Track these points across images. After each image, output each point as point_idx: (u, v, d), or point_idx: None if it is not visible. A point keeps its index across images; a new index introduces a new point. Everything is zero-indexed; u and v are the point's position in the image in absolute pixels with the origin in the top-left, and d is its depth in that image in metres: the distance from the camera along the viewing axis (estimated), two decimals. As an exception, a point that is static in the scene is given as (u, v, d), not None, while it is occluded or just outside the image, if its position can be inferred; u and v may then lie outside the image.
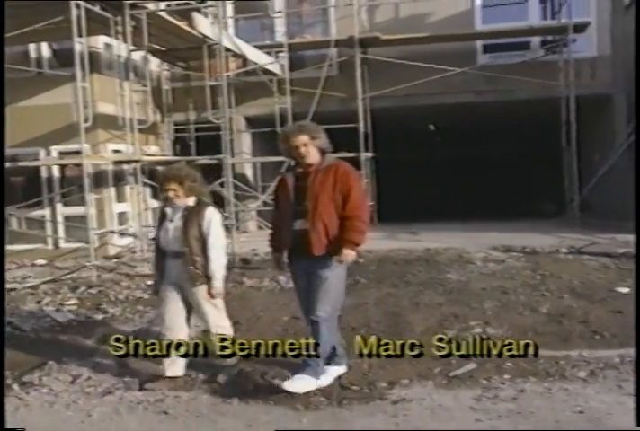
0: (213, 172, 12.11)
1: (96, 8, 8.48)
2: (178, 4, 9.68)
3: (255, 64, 11.11)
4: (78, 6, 8.09)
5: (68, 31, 9.32)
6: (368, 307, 6.53)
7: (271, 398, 4.51)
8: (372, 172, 12.14)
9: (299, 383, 4.49)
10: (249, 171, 13.02)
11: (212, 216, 4.74)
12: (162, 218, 4.93)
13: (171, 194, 4.76)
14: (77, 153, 11.21)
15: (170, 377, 4.82)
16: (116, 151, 11.47)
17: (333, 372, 4.74)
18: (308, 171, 4.49)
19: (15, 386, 5.02)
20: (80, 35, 8.38)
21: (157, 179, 5.19)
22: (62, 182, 11.43)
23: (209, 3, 10.07)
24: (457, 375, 4.77)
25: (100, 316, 6.65)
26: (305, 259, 4.52)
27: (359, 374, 4.85)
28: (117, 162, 10.53)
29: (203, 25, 9.48)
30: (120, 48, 11.57)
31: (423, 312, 6.31)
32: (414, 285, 7.45)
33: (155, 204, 12.59)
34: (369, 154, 11.92)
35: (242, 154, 12.82)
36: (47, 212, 11.46)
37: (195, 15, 9.28)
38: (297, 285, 4.83)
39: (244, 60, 12.01)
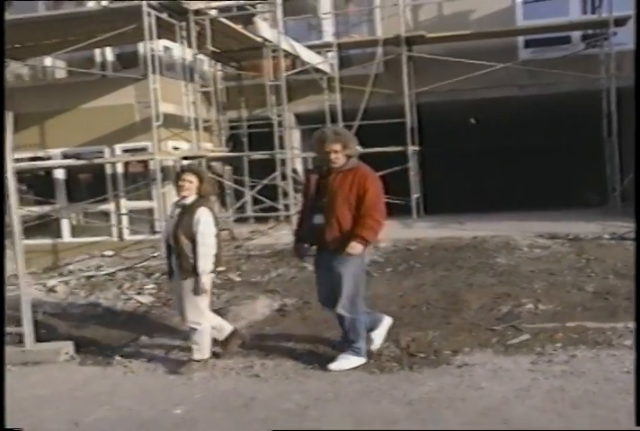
0: (266, 168, 12.77)
1: (164, 15, 9.11)
2: (238, 10, 10.30)
3: (306, 63, 11.66)
4: (149, 14, 8.74)
5: (134, 36, 10.03)
6: (426, 288, 7.06)
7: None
8: (418, 165, 12.62)
9: (344, 363, 4.99)
10: (299, 166, 13.61)
11: (201, 216, 5.08)
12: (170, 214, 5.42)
13: (186, 184, 5.17)
14: (140, 150, 11.98)
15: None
16: (175, 148, 12.15)
17: (378, 335, 5.30)
18: (331, 172, 4.95)
19: (117, 357, 5.69)
20: (150, 40, 9.02)
21: (178, 170, 5.70)
22: (125, 178, 12.15)
23: (267, 8, 10.65)
24: (513, 344, 5.30)
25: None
26: (325, 251, 5.00)
27: (424, 344, 5.40)
28: (184, 158, 11.17)
29: (264, 29, 10.09)
30: (179, 51, 12.29)
31: (477, 291, 6.81)
32: (466, 268, 7.94)
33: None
34: (416, 148, 12.41)
35: (292, 150, 13.40)
36: (111, 206, 12.20)
37: (257, 20, 9.88)
38: (316, 275, 5.29)
39: (294, 59, 12.60)
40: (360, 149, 12.12)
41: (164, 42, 11.92)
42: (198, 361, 5.24)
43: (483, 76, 12.07)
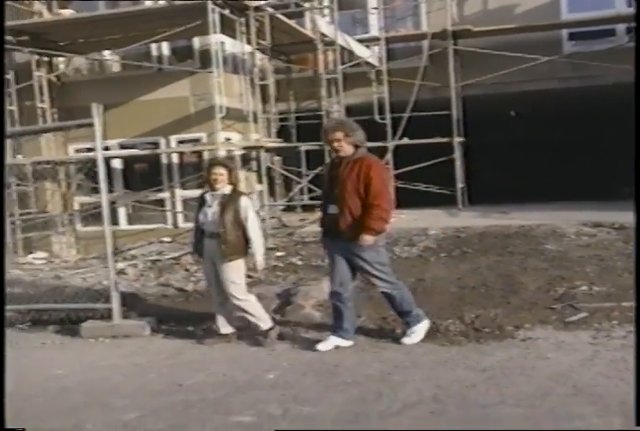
0: (314, 158, 13.18)
1: (226, 12, 9.55)
2: (297, 6, 10.72)
3: (357, 57, 12.03)
4: (214, 11, 9.19)
5: (195, 32, 10.49)
6: (482, 271, 7.43)
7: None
8: (462, 156, 12.93)
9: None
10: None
11: (247, 204, 5.59)
12: (201, 203, 5.79)
13: (218, 178, 5.59)
14: (194, 141, 12.48)
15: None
16: (227, 139, 12.60)
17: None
18: (341, 162, 5.26)
19: (199, 331, 6.14)
20: (214, 34, 9.48)
21: (207, 164, 6.07)
22: (180, 168, 12.65)
23: (323, 3, 11.05)
24: (572, 321, 5.66)
25: (248, 279, 7.72)
26: (340, 240, 5.26)
27: (487, 321, 5.78)
28: (244, 148, 11.62)
29: (322, 24, 10.49)
30: (231, 46, 12.76)
31: (532, 274, 7.16)
32: (517, 254, 8.29)
33: (258, 187, 13.75)
34: (461, 139, 12.72)
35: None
36: (167, 195, 12.71)
37: (316, 16, 10.29)
38: (330, 262, 5.49)
39: (341, 52, 12.99)
40: (406, 140, 12.54)
41: (219, 37, 12.38)
42: (269, 330, 5.65)
43: (526, 69, 12.32)
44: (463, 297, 6.52)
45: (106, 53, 12.80)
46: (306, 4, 10.91)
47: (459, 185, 12.73)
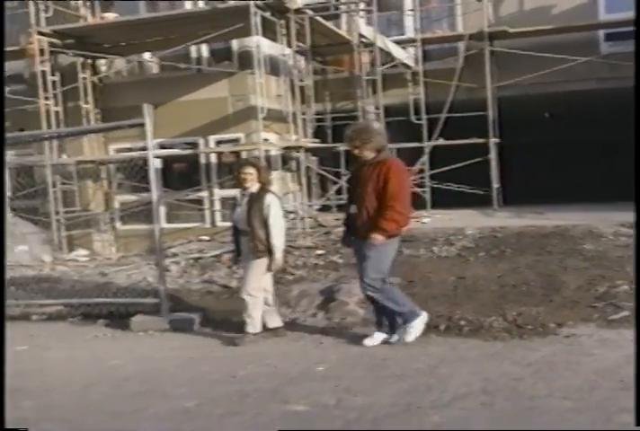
0: (350, 159, 13.29)
1: (267, 14, 9.74)
2: (336, 8, 10.89)
3: (395, 58, 12.15)
4: (256, 13, 9.39)
5: (233, 33, 10.68)
6: (521, 270, 7.51)
7: (461, 333, 5.64)
8: (497, 157, 12.97)
9: (412, 332, 5.44)
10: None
11: (271, 201, 5.74)
12: (236, 202, 6.01)
13: (247, 177, 5.79)
14: (232, 141, 12.69)
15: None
16: (265, 139, 12.79)
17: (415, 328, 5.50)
18: (363, 165, 5.43)
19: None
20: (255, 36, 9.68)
21: (237, 164, 6.27)
22: (218, 168, 12.86)
23: (362, 6, 11.20)
24: (614, 319, 5.73)
25: (290, 277, 7.90)
26: (357, 238, 5.44)
27: (530, 318, 5.87)
28: (285, 148, 11.81)
29: (361, 26, 10.64)
30: (267, 47, 12.95)
31: (572, 273, 7.22)
32: (555, 253, 8.34)
33: (293, 187, 13.93)
34: (497, 140, 12.77)
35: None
36: (205, 194, 12.94)
37: (356, 18, 10.44)
38: (356, 260, 5.65)
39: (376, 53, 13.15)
40: (442, 141, 12.61)
41: (258, 39, 12.58)
42: (253, 334, 5.78)
43: (563, 70, 12.33)
44: (504, 295, 6.62)
45: (146, 55, 13.05)
46: (343, 7, 11.05)
47: (495, 185, 12.77)
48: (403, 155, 13.51)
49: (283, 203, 6.08)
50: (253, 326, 5.80)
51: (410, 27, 13.55)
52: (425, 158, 12.44)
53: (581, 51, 12.51)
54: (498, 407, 3.98)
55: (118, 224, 13.23)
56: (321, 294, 7.10)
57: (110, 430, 3.98)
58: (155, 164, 12.92)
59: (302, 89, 12.84)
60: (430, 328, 5.83)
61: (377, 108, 11.65)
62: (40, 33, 10.66)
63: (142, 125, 6.66)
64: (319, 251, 9.22)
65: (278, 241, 5.72)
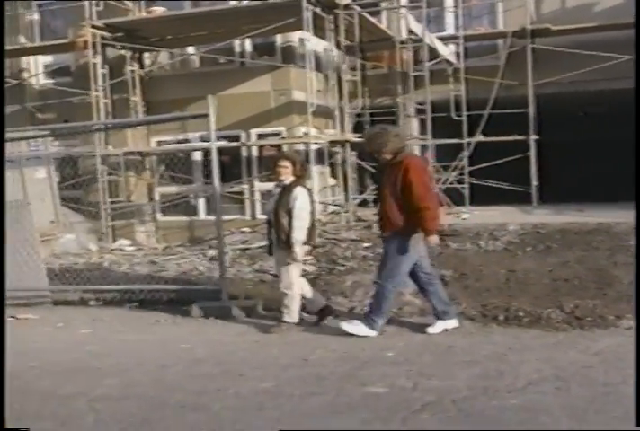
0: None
1: (317, 9, 9.89)
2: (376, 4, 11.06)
3: (439, 54, 12.27)
4: (307, 9, 9.54)
5: (280, 28, 10.82)
6: (571, 264, 7.60)
7: (521, 324, 5.75)
8: (536, 154, 13.02)
9: (350, 327, 5.58)
10: (417, 152, 14.19)
11: (299, 193, 5.80)
12: (270, 195, 6.14)
13: (282, 170, 5.89)
14: (274, 135, 12.84)
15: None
16: (305, 133, 12.93)
17: (442, 325, 5.65)
18: (384, 166, 5.58)
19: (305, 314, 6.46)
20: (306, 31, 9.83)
21: (273, 157, 6.37)
22: (259, 161, 13.02)
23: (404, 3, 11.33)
24: (674, 313, 5.80)
25: (342, 268, 8.05)
26: (383, 236, 5.64)
27: (587, 310, 5.96)
28: (332, 142, 11.95)
29: (412, 23, 10.76)
30: (309, 43, 13.09)
31: (622, 268, 7.30)
32: (603, 249, 8.42)
33: (332, 182, 14.07)
34: (536, 137, 12.83)
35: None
36: (246, 187, 13.10)
37: (407, 14, 10.56)
38: None
39: (418, 49, 13.25)
40: (481, 137, 12.68)
41: (299, 34, 12.71)
42: (288, 323, 5.92)
43: (604, 68, 12.35)
44: (558, 288, 6.71)
45: (190, 49, 13.22)
46: (384, 4, 11.19)
47: (534, 183, 12.83)
48: (442, 151, 13.69)
49: (312, 197, 6.09)
50: (290, 316, 5.94)
51: (450, 24, 13.63)
52: (465, 154, 12.52)
53: (622, 49, 12.50)
54: (573, 392, 4.09)
55: (158, 215, 13.45)
56: (375, 284, 7.22)
57: (195, 405, 4.14)
58: (195, 157, 13.32)
59: (342, 84, 12.98)
60: (489, 318, 5.97)
61: (420, 104, 11.74)
62: (93, 26, 10.85)
63: (206, 116, 6.79)
64: (365, 244, 9.35)
65: (297, 234, 5.76)
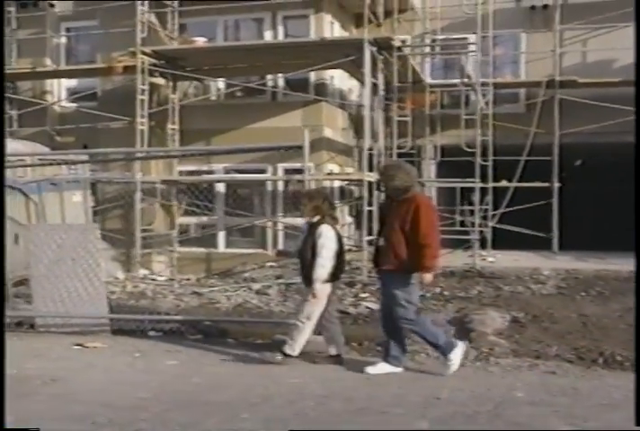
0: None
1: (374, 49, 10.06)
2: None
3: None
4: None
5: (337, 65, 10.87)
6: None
7: (624, 367, 5.80)
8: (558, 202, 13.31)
9: (454, 364, 5.60)
10: (434, 194, 14.36)
11: (322, 231, 5.85)
12: (301, 232, 6.20)
13: (302, 208, 6.01)
14: (299, 171, 12.81)
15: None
16: (329, 173, 12.96)
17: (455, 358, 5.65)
18: (392, 201, 5.74)
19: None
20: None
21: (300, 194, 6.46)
22: (284, 196, 12.98)
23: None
24: None
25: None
26: (381, 271, 5.72)
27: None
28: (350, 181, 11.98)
29: (470, 69, 11.04)
30: (339, 80, 13.30)
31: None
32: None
33: (349, 220, 14.11)
34: (559, 185, 13.14)
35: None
36: (268, 220, 13.02)
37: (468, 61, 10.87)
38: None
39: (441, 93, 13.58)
40: (505, 182, 12.88)
41: (332, 72, 12.89)
42: (285, 355, 5.91)
43: (623, 121, 12.78)
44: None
45: (220, 82, 13.21)
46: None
47: (555, 229, 13.09)
48: (451, 194, 13.80)
49: (340, 234, 6.06)
50: (292, 349, 5.94)
51: (471, 71, 13.99)
52: (489, 198, 12.72)
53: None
54: None
55: (175, 246, 13.21)
56: (449, 323, 7.24)
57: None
58: (218, 188, 13.21)
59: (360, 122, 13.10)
60: (587, 361, 6.01)
61: (469, 147, 11.92)
62: (143, 53, 10.80)
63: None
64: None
65: (319, 272, 5.77)
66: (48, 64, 13.28)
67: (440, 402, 4.89)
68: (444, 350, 5.67)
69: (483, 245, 12.85)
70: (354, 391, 5.20)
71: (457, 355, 5.65)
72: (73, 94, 13.48)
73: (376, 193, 14.05)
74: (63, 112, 13.75)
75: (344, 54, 10.47)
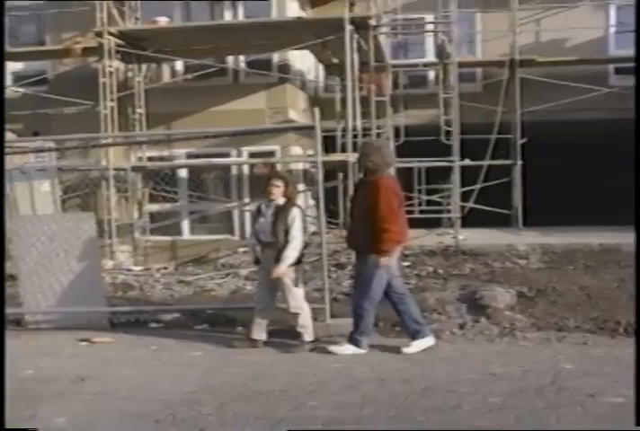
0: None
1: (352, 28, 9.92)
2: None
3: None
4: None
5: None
6: (629, 281, 7.82)
7: None
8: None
9: (340, 349, 5.78)
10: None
11: (296, 215, 5.94)
12: (257, 214, 6.15)
13: (274, 190, 5.96)
14: (267, 154, 12.59)
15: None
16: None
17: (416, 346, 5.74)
18: (361, 183, 5.99)
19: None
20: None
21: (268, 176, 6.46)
22: (250, 180, 12.71)
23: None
24: None
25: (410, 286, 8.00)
26: (355, 253, 5.96)
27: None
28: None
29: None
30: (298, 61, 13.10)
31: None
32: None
33: (311, 202, 13.97)
34: (521, 163, 13.40)
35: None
36: (235, 206, 12.73)
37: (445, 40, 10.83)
38: None
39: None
40: (468, 161, 13.01)
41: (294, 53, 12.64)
42: (310, 342, 5.99)
43: (578, 100, 13.12)
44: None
45: (178, 63, 12.75)
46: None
47: (519, 206, 13.37)
48: (431, 174, 13.90)
49: (305, 216, 6.22)
50: (308, 334, 6.00)
51: (430, 50, 14.06)
52: (456, 176, 12.81)
53: (592, 82, 13.35)
54: None
55: (137, 235, 12.76)
56: (459, 301, 7.26)
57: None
58: (181, 174, 12.82)
59: (324, 104, 12.96)
60: (607, 330, 6.17)
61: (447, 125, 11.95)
62: (110, 33, 10.28)
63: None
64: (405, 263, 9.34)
65: (291, 253, 5.82)
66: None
67: (498, 379, 4.90)
68: (415, 332, 5.72)
69: (449, 224, 12.96)
70: (405, 372, 5.15)
71: (421, 344, 5.69)
72: (19, 79, 12.73)
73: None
74: (8, 98, 12.97)
75: (314, 34, 10.28)
